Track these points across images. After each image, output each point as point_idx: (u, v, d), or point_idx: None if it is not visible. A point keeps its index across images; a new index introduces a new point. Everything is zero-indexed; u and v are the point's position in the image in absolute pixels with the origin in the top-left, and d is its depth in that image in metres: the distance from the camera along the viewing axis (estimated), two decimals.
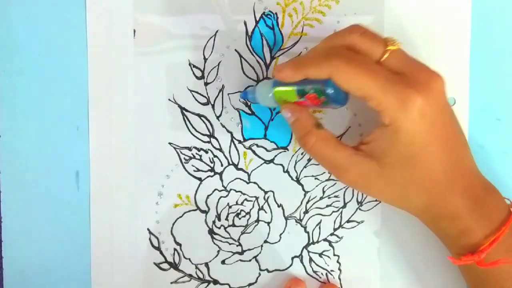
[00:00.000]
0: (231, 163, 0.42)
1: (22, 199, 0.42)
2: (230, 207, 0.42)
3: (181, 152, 0.42)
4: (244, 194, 0.42)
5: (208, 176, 0.42)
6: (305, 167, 0.42)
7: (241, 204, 0.42)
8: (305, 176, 0.42)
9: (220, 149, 0.42)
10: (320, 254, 0.42)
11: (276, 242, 0.42)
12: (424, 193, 0.34)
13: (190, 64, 0.41)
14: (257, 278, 0.42)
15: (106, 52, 0.41)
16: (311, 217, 0.42)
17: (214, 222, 0.42)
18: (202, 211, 0.42)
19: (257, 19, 0.41)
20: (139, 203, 0.42)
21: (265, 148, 0.42)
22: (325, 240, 0.42)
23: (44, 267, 0.43)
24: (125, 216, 0.42)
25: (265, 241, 0.42)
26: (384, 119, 0.32)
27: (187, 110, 0.41)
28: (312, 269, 0.42)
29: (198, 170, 0.42)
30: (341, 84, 0.32)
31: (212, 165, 0.42)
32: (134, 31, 0.41)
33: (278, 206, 0.42)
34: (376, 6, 0.41)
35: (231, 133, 0.42)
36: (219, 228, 0.42)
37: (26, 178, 0.42)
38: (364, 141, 0.34)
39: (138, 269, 0.42)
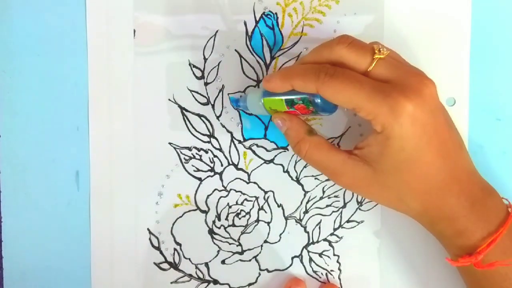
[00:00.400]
0: (231, 163, 0.42)
1: (22, 199, 0.42)
2: (230, 207, 0.42)
3: (181, 152, 0.42)
4: (244, 194, 0.42)
5: (208, 176, 0.42)
6: (305, 167, 0.42)
7: (241, 204, 0.42)
8: (305, 176, 0.42)
9: (220, 149, 0.42)
10: (320, 254, 0.42)
11: (276, 242, 0.42)
12: (419, 197, 0.34)
13: (190, 64, 0.41)
14: (257, 278, 0.42)
15: (106, 52, 0.41)
16: (311, 217, 0.42)
17: (214, 222, 0.42)
18: (202, 211, 0.42)
19: (257, 19, 0.41)
20: (139, 203, 0.42)
21: (265, 148, 0.42)
22: (325, 240, 0.42)
23: (44, 267, 0.43)
24: (125, 216, 0.42)
25: (265, 241, 0.42)
26: (376, 127, 0.32)
27: (187, 110, 0.41)
28: (312, 269, 0.42)
29: (198, 170, 0.42)
30: (329, 98, 0.33)
31: (212, 165, 0.42)
32: (134, 31, 0.41)
33: (278, 206, 0.42)
34: (376, 6, 0.41)
35: (231, 133, 0.42)
36: (219, 228, 0.42)
37: (26, 178, 0.42)
38: (358, 146, 0.35)
39: (138, 269, 0.42)
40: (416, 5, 0.40)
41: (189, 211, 0.42)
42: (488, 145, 0.41)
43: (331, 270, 0.42)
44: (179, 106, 0.41)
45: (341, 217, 0.42)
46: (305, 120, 0.37)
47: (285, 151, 0.42)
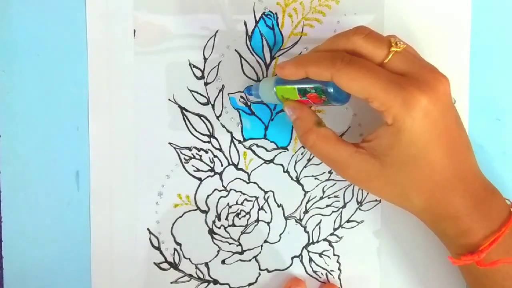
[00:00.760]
0: (231, 163, 0.42)
1: (22, 199, 0.42)
2: (230, 207, 0.42)
3: (181, 152, 0.42)
4: (244, 194, 0.42)
5: (208, 176, 0.42)
6: (305, 167, 0.42)
7: (241, 204, 0.42)
8: (305, 176, 0.42)
9: (220, 149, 0.42)
10: (320, 254, 0.42)
11: (276, 242, 0.42)
12: (424, 193, 0.34)
13: (190, 64, 0.41)
14: (257, 278, 0.42)
15: (106, 52, 0.41)
16: (311, 217, 0.42)
17: (214, 222, 0.42)
18: (202, 211, 0.42)
19: (257, 19, 0.41)
20: (139, 203, 0.42)
21: (265, 148, 0.42)
22: (325, 240, 0.42)
23: (44, 267, 0.43)
24: (125, 216, 0.42)
25: (265, 241, 0.42)
26: (387, 119, 0.32)
27: (187, 110, 0.41)
28: (312, 269, 0.42)
29: (198, 170, 0.42)
30: (343, 86, 0.32)
31: (212, 165, 0.42)
32: (134, 31, 0.41)
33: (278, 206, 0.42)
34: (376, 6, 0.41)
35: (231, 133, 0.42)
36: (219, 228, 0.42)
37: (26, 178, 0.42)
38: (366, 139, 0.35)
39: (138, 269, 0.42)
40: (416, 5, 0.40)
41: (189, 211, 0.42)
42: (488, 145, 0.41)
43: (331, 270, 0.42)
44: (179, 106, 0.41)
45: (341, 217, 0.42)
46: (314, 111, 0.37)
47: (285, 151, 0.42)
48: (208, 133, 0.42)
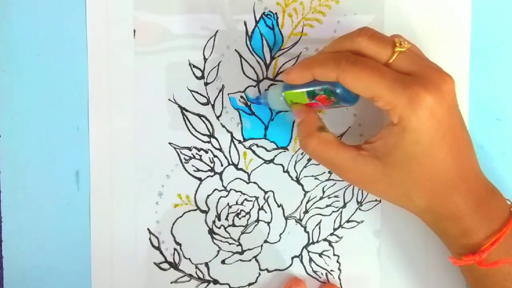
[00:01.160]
0: (231, 163, 0.42)
1: (22, 199, 0.42)
2: (230, 207, 0.42)
3: (181, 152, 0.42)
4: (244, 194, 0.42)
5: (208, 176, 0.42)
6: (305, 167, 0.42)
7: (241, 204, 0.42)
8: (305, 176, 0.42)
9: (220, 149, 0.42)
10: (320, 254, 0.42)
11: (276, 242, 0.42)
12: (426, 193, 0.34)
13: (190, 64, 0.41)
14: (257, 278, 0.42)
15: (106, 52, 0.41)
16: (311, 217, 0.42)
17: (214, 222, 0.42)
18: (202, 211, 0.42)
19: (257, 19, 0.41)
20: (139, 203, 0.42)
21: (265, 148, 0.42)
22: (325, 240, 0.42)
23: (44, 267, 0.43)
24: (125, 216, 0.42)
25: (265, 241, 0.42)
26: (393, 118, 0.32)
27: (187, 110, 0.41)
28: (312, 269, 0.42)
29: (198, 170, 0.42)
30: (348, 85, 0.32)
31: (212, 165, 0.42)
32: (134, 31, 0.41)
33: (278, 206, 0.42)
34: (376, 6, 0.41)
35: (231, 133, 0.42)
36: (219, 228, 0.42)
37: (26, 178, 0.42)
38: (369, 140, 0.35)
39: (138, 269, 0.42)
40: (416, 5, 0.40)
41: (189, 211, 0.42)
42: (488, 145, 0.41)
43: (331, 270, 0.42)
44: (179, 106, 0.41)
45: (341, 217, 0.42)
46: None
47: (285, 151, 0.42)
48: (208, 133, 0.42)
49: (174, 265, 0.42)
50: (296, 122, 0.37)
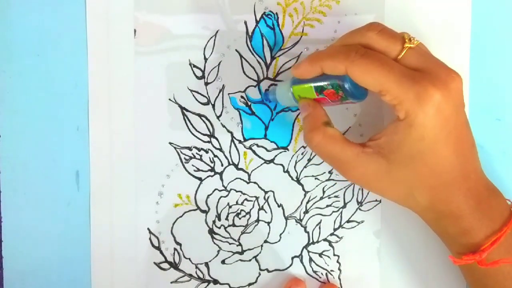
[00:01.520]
0: (231, 163, 0.42)
1: (22, 199, 0.42)
2: (230, 207, 0.42)
3: (181, 152, 0.42)
4: (244, 194, 0.42)
5: (208, 176, 0.42)
6: (305, 167, 0.42)
7: (241, 204, 0.42)
8: (305, 176, 0.42)
9: (220, 149, 0.42)
10: (320, 254, 0.42)
11: (276, 242, 0.42)
12: (428, 191, 0.34)
13: (190, 64, 0.41)
14: (257, 278, 0.42)
15: (106, 52, 0.41)
16: (311, 217, 0.42)
17: (214, 222, 0.42)
18: (202, 211, 0.42)
19: (258, 19, 0.41)
20: (139, 203, 0.42)
21: (265, 148, 0.42)
22: (325, 240, 0.42)
23: (44, 267, 0.43)
24: (125, 216, 0.42)
25: (265, 241, 0.42)
26: (399, 113, 0.32)
27: (187, 110, 0.41)
28: (312, 269, 0.42)
29: (198, 170, 0.42)
30: (357, 78, 0.32)
31: (212, 165, 0.42)
32: (135, 30, 0.41)
33: (278, 206, 0.42)
34: (376, 6, 0.41)
35: (231, 133, 0.42)
36: (219, 228, 0.42)
37: (26, 178, 0.42)
38: (374, 138, 0.34)
39: (138, 269, 0.42)
40: (416, 5, 0.41)
41: (189, 211, 0.42)
42: (488, 145, 0.41)
43: (331, 270, 0.42)
44: (180, 106, 0.41)
45: (341, 217, 0.42)
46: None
47: (285, 151, 0.42)
48: (209, 133, 0.42)
49: (174, 265, 0.42)
50: (302, 115, 0.36)
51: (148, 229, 0.42)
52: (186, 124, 0.41)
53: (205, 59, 0.41)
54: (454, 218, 0.34)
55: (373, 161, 0.34)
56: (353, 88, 0.33)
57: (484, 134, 0.41)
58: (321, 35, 0.41)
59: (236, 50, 0.41)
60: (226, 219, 0.42)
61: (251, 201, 0.42)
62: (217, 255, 0.42)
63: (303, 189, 0.42)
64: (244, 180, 0.42)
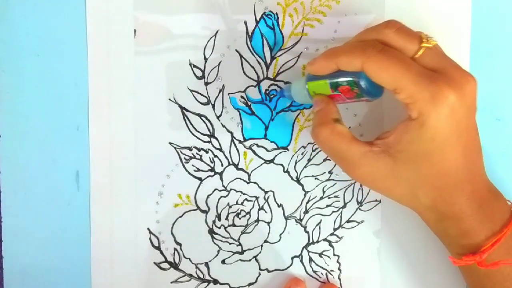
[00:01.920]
0: (231, 163, 0.42)
1: (22, 199, 0.42)
2: (230, 207, 0.42)
3: (181, 152, 0.42)
4: (244, 194, 0.42)
5: (208, 176, 0.42)
6: (305, 167, 0.42)
7: (241, 204, 0.42)
8: (305, 176, 0.42)
9: (220, 149, 0.42)
10: (320, 254, 0.42)
11: (276, 242, 0.42)
12: (433, 192, 0.34)
13: (190, 64, 0.41)
14: (257, 278, 0.42)
15: (106, 52, 0.41)
16: (311, 217, 0.42)
17: (214, 222, 0.42)
18: (202, 211, 0.42)
19: (258, 19, 0.41)
20: (139, 203, 0.42)
21: (265, 148, 0.42)
22: (325, 240, 0.42)
23: (44, 267, 0.43)
24: (125, 216, 0.42)
25: (265, 241, 0.42)
26: (412, 112, 0.32)
27: (187, 110, 0.41)
28: (312, 269, 0.42)
29: (198, 170, 0.42)
30: (373, 74, 0.32)
31: (212, 165, 0.42)
32: (135, 30, 0.41)
33: (278, 206, 0.42)
34: (376, 6, 0.41)
35: (231, 133, 0.42)
36: (219, 228, 0.42)
37: (26, 178, 0.42)
38: (382, 136, 0.34)
39: (138, 268, 0.42)
40: (416, 5, 0.41)
41: (189, 211, 0.42)
42: (488, 145, 0.41)
43: (331, 270, 0.42)
44: (180, 106, 0.41)
45: (341, 217, 0.42)
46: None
47: (285, 151, 0.42)
48: (209, 133, 0.42)
49: (174, 265, 0.42)
50: (314, 110, 0.36)
51: (148, 229, 0.42)
52: (186, 124, 0.41)
53: (205, 59, 0.41)
54: (455, 219, 0.34)
55: (379, 160, 0.34)
56: (368, 85, 0.33)
57: (484, 134, 0.41)
58: (321, 35, 0.41)
59: (236, 50, 0.41)
60: (226, 219, 0.42)
61: (251, 201, 0.42)
62: (217, 255, 0.42)
63: (303, 189, 0.42)
64: (244, 180, 0.42)
